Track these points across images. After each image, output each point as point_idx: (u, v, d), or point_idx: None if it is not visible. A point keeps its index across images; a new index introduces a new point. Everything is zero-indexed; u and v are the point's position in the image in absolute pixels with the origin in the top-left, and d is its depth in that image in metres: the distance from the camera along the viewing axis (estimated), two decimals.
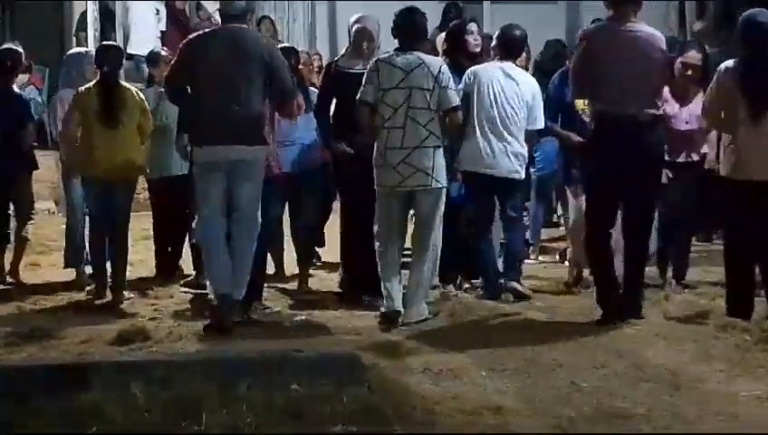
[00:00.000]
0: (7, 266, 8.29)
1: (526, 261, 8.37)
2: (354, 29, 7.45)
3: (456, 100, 6.69)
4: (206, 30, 6.99)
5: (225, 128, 6.48)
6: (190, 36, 6.92)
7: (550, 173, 8.63)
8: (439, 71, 6.60)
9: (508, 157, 7.26)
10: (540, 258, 9.11)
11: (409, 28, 6.70)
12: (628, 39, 6.50)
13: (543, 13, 13.45)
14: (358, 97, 6.71)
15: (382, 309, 6.65)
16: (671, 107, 7.29)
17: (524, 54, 9.91)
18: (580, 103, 7.12)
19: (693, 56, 7.40)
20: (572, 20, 13.39)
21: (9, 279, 8.25)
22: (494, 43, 7.51)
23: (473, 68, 7.34)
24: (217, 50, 6.54)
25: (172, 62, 7.00)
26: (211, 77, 6.53)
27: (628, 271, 6.65)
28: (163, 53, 8.77)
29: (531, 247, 8.89)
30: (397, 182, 6.60)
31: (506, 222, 7.47)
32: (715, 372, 5.56)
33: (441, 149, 6.65)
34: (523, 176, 7.48)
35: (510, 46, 7.44)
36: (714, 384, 5.37)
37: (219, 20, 6.96)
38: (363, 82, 6.72)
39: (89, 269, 7.91)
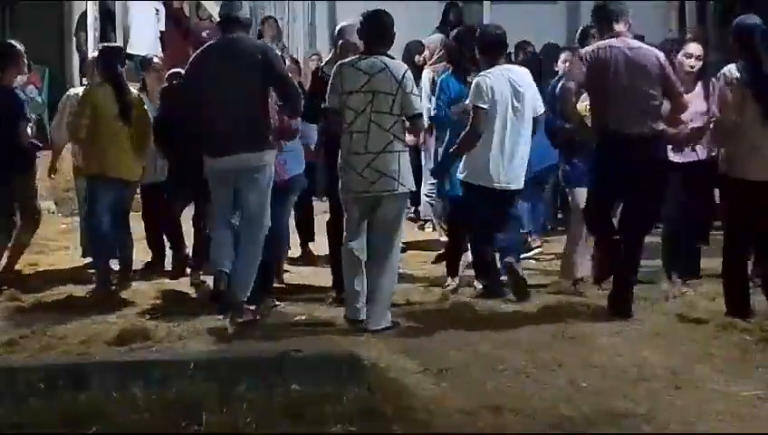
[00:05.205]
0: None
1: (529, 261, 8.57)
2: (339, 43, 7.47)
3: (419, 106, 6.58)
4: (204, 45, 7.06)
5: (228, 138, 6.60)
6: (193, 55, 7.03)
7: (529, 178, 8.65)
8: (403, 76, 6.42)
9: (519, 167, 7.28)
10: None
11: (373, 32, 6.55)
12: (626, 58, 6.65)
13: (543, 13, 13.46)
14: (325, 105, 6.64)
15: (345, 314, 6.58)
16: None
17: (521, 54, 9.98)
18: (583, 108, 7.09)
19: (695, 47, 7.45)
20: (572, 20, 13.38)
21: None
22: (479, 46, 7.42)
23: (486, 81, 7.16)
24: (215, 62, 6.67)
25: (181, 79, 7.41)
26: (211, 89, 6.64)
27: (619, 268, 6.80)
28: (155, 60, 9.00)
29: (531, 236, 8.83)
30: (363, 188, 6.42)
31: (506, 224, 7.47)
32: (715, 371, 5.57)
33: (407, 154, 6.53)
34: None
35: (497, 46, 7.37)
36: (714, 384, 5.37)
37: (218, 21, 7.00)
38: (328, 89, 6.61)
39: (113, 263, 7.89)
